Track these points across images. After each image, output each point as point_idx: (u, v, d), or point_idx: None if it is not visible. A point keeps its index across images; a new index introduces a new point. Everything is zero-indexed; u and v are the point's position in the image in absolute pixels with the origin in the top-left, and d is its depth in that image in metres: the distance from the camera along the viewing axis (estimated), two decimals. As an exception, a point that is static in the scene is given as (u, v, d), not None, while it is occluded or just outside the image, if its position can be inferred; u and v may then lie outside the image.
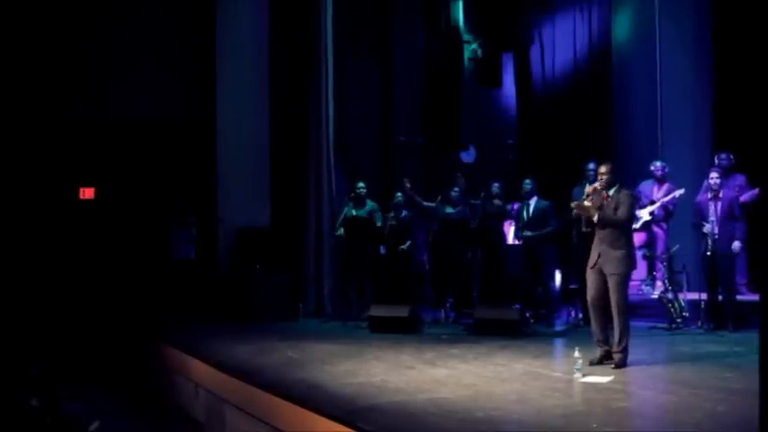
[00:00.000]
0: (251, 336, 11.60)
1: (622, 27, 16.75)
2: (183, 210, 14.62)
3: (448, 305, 13.06)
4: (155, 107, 14.54)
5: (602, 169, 8.95)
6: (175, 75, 14.78)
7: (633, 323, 11.99)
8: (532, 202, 12.71)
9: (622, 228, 8.81)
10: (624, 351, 8.71)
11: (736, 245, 11.30)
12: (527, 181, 12.75)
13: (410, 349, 10.02)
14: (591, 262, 8.88)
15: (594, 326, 8.90)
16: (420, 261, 14.29)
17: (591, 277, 8.88)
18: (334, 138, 14.50)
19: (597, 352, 8.82)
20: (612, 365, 8.56)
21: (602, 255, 8.76)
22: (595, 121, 16.72)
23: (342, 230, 13.32)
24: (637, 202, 8.83)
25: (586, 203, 8.87)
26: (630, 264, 8.81)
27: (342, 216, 13.38)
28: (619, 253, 8.69)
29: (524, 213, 12.74)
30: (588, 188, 9.02)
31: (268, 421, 7.62)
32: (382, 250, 13.36)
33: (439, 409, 6.68)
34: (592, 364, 8.61)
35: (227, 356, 9.81)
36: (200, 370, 9.69)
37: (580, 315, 12.21)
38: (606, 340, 8.82)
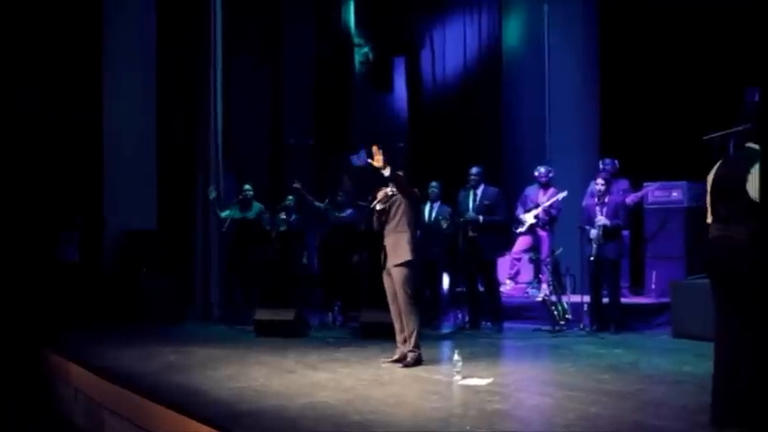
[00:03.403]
0: (135, 340, 11.42)
1: (512, 32, 16.98)
2: (69, 211, 14.29)
3: (336, 308, 13.04)
4: (39, 106, 14.20)
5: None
6: (61, 74, 14.43)
7: (519, 325, 12.32)
8: (436, 206, 12.61)
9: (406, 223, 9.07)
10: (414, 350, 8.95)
11: (601, 220, 11.46)
12: (433, 184, 12.61)
13: (294, 353, 9.96)
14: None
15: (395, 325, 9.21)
16: (310, 264, 14.26)
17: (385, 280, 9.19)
18: (222, 139, 14.33)
19: (396, 352, 9.12)
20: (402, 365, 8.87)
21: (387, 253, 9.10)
22: (484, 124, 16.94)
23: (228, 212, 13.31)
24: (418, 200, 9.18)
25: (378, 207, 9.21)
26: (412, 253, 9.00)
27: (228, 218, 13.27)
28: (398, 246, 8.98)
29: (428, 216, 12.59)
30: (379, 194, 9.23)
31: (146, 427, 7.49)
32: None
33: (316, 413, 6.65)
34: (387, 362, 9.01)
35: (109, 361, 9.62)
36: (80, 375, 9.49)
37: (467, 318, 12.32)
38: (404, 340, 9.06)
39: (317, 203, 13.56)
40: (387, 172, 8.84)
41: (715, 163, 6.18)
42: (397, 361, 8.96)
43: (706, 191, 6.18)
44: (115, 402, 8.29)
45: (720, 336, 5.96)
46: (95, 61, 14.52)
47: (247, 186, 13.41)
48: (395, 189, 9.04)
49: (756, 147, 5.82)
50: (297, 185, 13.47)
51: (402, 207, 9.02)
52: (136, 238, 14.16)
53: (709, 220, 6.10)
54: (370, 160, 8.95)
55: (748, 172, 5.66)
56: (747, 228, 5.69)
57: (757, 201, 5.58)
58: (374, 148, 8.84)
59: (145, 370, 9.07)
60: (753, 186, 5.62)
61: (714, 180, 6.05)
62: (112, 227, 14.29)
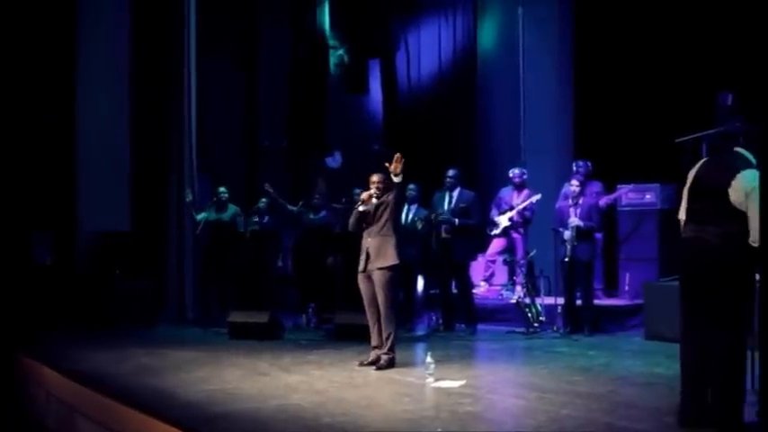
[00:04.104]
0: (109, 342, 11.35)
1: (487, 34, 17.01)
2: (41, 212, 14.17)
3: (310, 310, 13.01)
4: (11, 106, 14.07)
5: (375, 178, 9.14)
6: (34, 73, 14.30)
7: (492, 327, 12.33)
8: (413, 208, 12.52)
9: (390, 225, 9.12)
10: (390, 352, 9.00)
11: (574, 222, 11.47)
12: (411, 186, 12.52)
13: (268, 355, 9.94)
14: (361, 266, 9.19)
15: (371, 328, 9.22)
16: (284, 266, 14.24)
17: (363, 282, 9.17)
18: (196, 140, 14.29)
19: (371, 354, 9.14)
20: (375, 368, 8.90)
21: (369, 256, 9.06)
22: (459, 126, 16.96)
23: (204, 214, 13.29)
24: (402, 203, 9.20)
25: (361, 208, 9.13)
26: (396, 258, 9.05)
27: (203, 220, 13.23)
28: (384, 250, 8.98)
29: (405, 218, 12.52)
30: (364, 195, 9.18)
31: (118, 430, 7.47)
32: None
33: (288, 416, 6.66)
34: (362, 364, 9.03)
35: (81, 363, 9.61)
36: (52, 377, 9.45)
37: (441, 320, 12.32)
38: (380, 343, 9.09)
39: (289, 207, 13.52)
40: (398, 179, 8.85)
41: (688, 165, 6.19)
42: (371, 363, 8.97)
43: (681, 190, 6.18)
44: (87, 405, 8.26)
45: (687, 336, 5.97)
46: (69, 61, 14.40)
47: (222, 189, 13.37)
48: (380, 193, 9.06)
49: (743, 152, 5.84)
50: (268, 188, 13.44)
51: (388, 210, 9.04)
52: (109, 240, 14.04)
53: (682, 217, 6.10)
54: (387, 164, 8.90)
55: (733, 177, 5.67)
56: (722, 230, 5.71)
57: (737, 206, 5.61)
58: (397, 155, 8.79)
59: (117, 372, 9.05)
60: (735, 191, 5.64)
61: (694, 178, 6.04)
62: (86, 228, 14.18)
